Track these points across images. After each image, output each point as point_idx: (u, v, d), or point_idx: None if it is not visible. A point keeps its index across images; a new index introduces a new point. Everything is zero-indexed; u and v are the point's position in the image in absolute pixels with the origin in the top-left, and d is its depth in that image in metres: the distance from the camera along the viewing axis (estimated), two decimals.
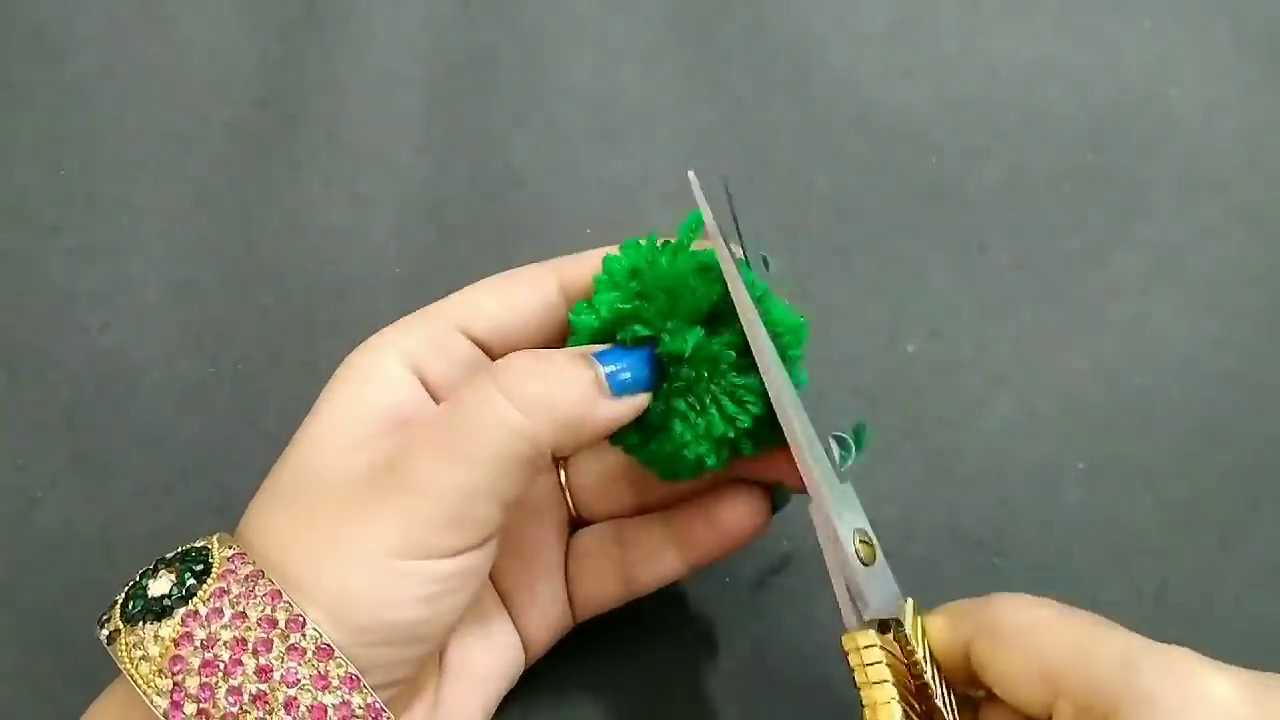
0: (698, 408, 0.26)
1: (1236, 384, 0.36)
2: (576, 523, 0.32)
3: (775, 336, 0.26)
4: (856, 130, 0.39)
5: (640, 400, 0.26)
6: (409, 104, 0.40)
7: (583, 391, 0.25)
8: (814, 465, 0.25)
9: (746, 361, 0.26)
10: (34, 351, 0.37)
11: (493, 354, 0.29)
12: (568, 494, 0.32)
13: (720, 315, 0.27)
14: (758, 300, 0.26)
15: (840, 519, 0.25)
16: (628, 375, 0.26)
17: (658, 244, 0.27)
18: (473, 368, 0.28)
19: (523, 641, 0.30)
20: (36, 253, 0.38)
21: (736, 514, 0.29)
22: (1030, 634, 0.23)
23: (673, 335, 0.26)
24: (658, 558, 0.30)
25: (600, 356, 0.26)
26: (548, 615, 0.30)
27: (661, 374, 0.26)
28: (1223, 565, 0.34)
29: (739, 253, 0.27)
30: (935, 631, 0.25)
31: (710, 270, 0.27)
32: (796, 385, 0.26)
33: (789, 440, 0.25)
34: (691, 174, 0.27)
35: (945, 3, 0.40)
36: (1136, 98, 0.39)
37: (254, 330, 0.37)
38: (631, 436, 0.27)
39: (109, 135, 0.39)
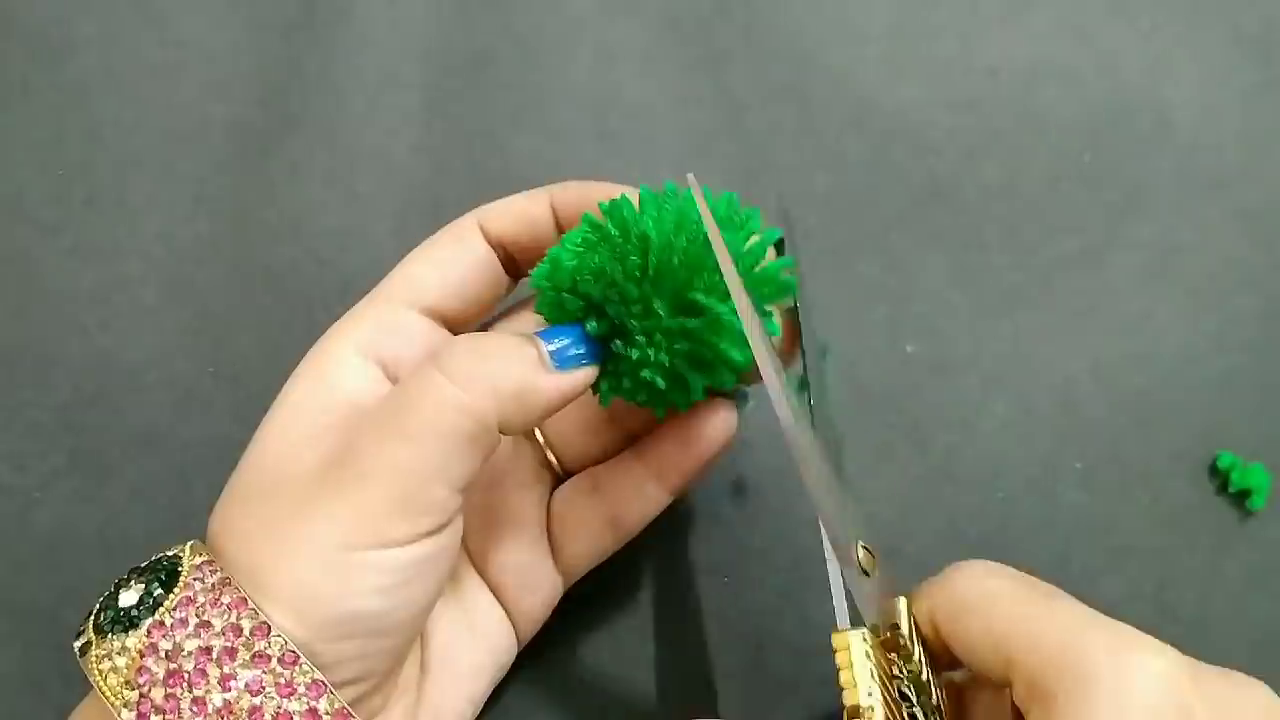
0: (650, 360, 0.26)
1: (1235, 384, 0.36)
2: (560, 479, 0.32)
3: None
4: (855, 131, 0.39)
5: (588, 373, 0.26)
6: (408, 104, 0.40)
7: (525, 366, 0.25)
8: (818, 474, 0.25)
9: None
10: (32, 351, 0.37)
11: (445, 320, 0.29)
12: (549, 452, 0.31)
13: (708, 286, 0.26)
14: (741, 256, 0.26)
15: (839, 523, 0.25)
16: (571, 351, 0.26)
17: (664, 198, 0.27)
18: (428, 343, 0.29)
19: (515, 622, 0.30)
20: (35, 252, 0.38)
21: (707, 428, 0.29)
22: (984, 607, 0.23)
23: (597, 320, 0.26)
24: (640, 493, 0.30)
25: (543, 334, 0.26)
26: (539, 587, 0.30)
27: (604, 349, 0.26)
28: (1221, 566, 0.34)
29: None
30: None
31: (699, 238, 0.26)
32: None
33: (791, 445, 0.25)
34: (691, 177, 0.26)
35: (943, 4, 0.41)
36: (1134, 99, 0.39)
37: (253, 331, 0.37)
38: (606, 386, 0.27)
39: (108, 135, 0.39)
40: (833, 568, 0.25)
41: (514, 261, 0.30)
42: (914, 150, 0.39)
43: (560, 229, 0.29)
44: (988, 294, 0.37)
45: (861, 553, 0.25)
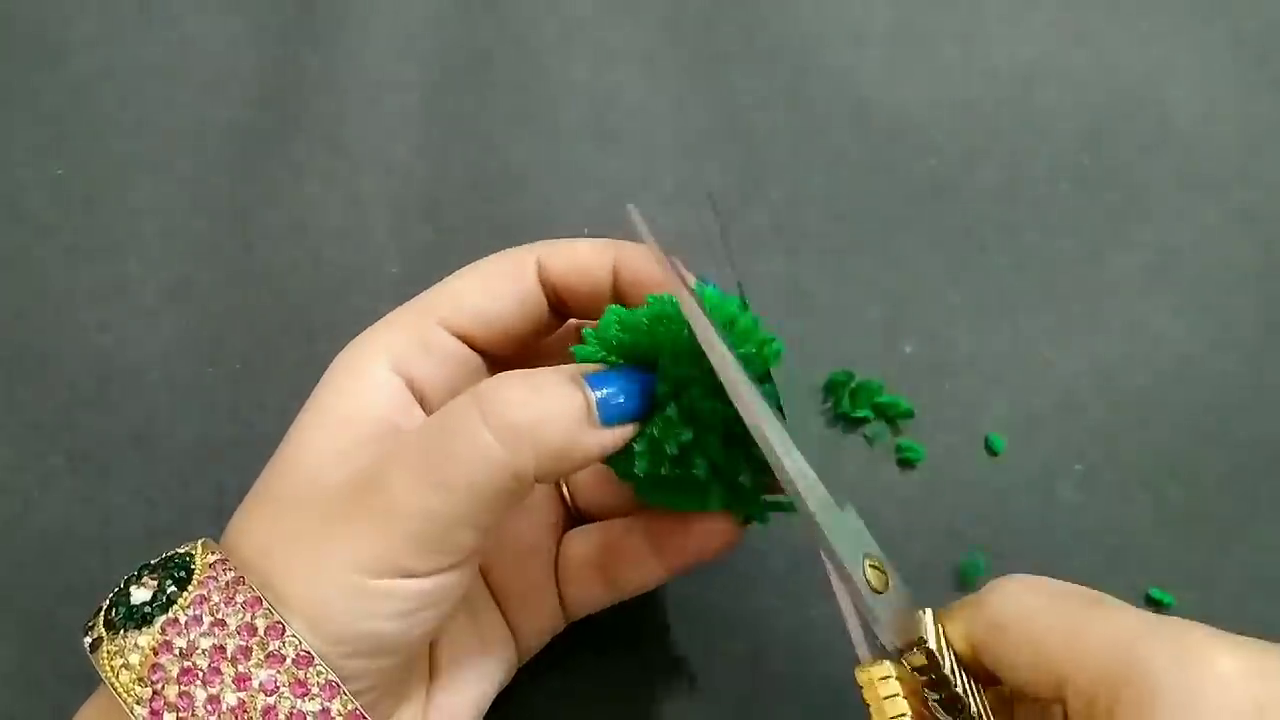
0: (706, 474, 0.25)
1: (1234, 385, 0.36)
2: (574, 518, 0.32)
3: (751, 358, 0.25)
4: (854, 131, 0.39)
5: (629, 430, 0.25)
6: (407, 105, 0.40)
7: (570, 422, 0.24)
8: (808, 497, 0.23)
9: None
10: (31, 351, 0.37)
11: (476, 344, 0.29)
12: (564, 488, 0.31)
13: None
14: (728, 325, 0.25)
15: (843, 548, 0.24)
16: (621, 400, 0.25)
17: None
18: (458, 365, 0.28)
19: (516, 639, 0.30)
20: (35, 252, 0.38)
21: (709, 527, 0.28)
22: (1025, 624, 0.22)
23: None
24: (640, 563, 0.29)
25: (593, 379, 0.25)
26: (541, 614, 0.30)
27: (651, 403, 0.25)
28: (1221, 566, 0.34)
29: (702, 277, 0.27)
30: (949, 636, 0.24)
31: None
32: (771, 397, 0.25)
33: (777, 475, 0.24)
34: (631, 208, 0.25)
35: (944, 4, 0.41)
36: (1134, 99, 0.39)
37: (252, 331, 0.37)
38: (644, 488, 0.27)
39: (107, 135, 0.39)
40: (842, 595, 0.24)
41: (562, 301, 0.29)
42: (914, 150, 0.39)
43: (618, 288, 0.28)
44: (988, 294, 0.37)
45: (869, 571, 0.24)
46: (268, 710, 0.23)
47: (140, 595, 0.24)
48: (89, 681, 0.26)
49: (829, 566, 0.24)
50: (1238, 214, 0.38)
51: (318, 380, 0.28)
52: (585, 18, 0.41)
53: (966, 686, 0.23)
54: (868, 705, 0.23)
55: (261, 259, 0.38)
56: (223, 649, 0.23)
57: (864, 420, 0.36)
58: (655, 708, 0.33)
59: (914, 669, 0.23)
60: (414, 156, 0.39)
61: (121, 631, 0.23)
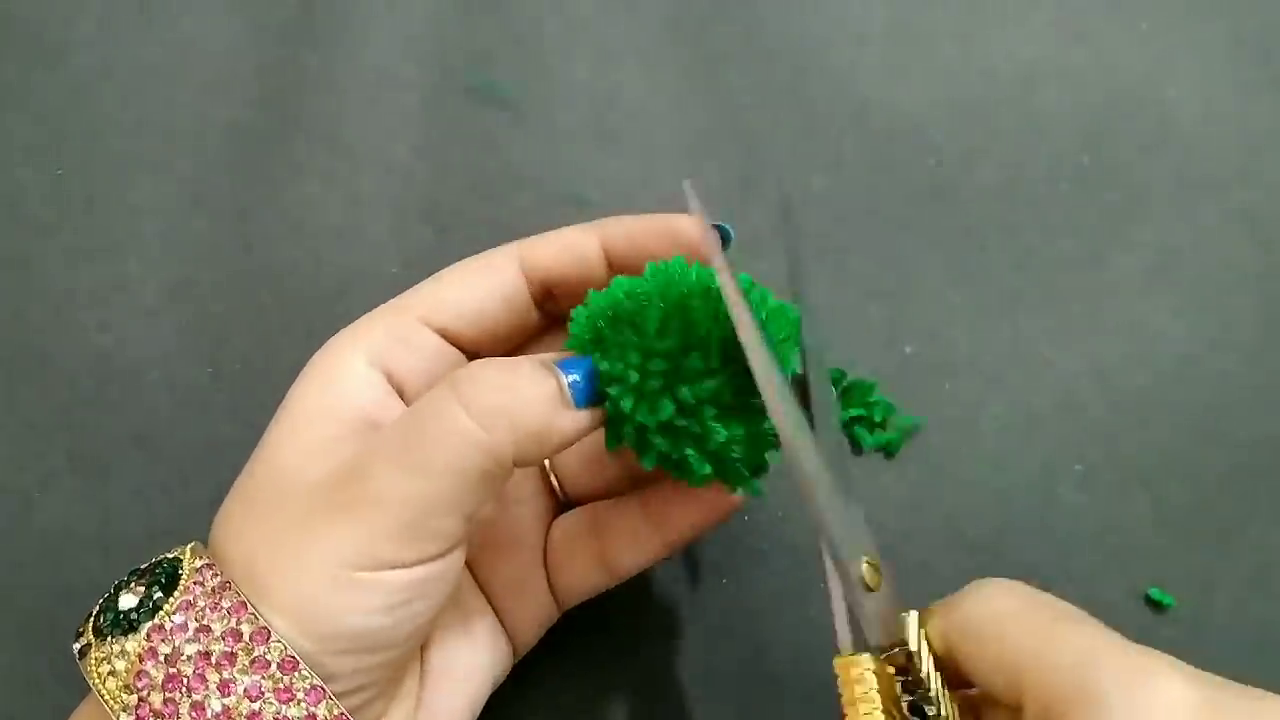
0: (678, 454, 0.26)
1: (1234, 385, 0.36)
2: (563, 505, 0.32)
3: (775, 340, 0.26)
4: (854, 131, 0.39)
5: (602, 411, 0.26)
6: (407, 105, 0.40)
7: (545, 403, 0.25)
8: (819, 489, 0.24)
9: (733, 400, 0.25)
10: (32, 351, 0.37)
11: (459, 342, 0.29)
12: (553, 476, 0.31)
13: (699, 346, 0.25)
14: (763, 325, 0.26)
15: (845, 543, 0.24)
16: (585, 386, 0.25)
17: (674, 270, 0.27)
18: (439, 360, 0.28)
19: (510, 635, 0.30)
20: (34, 253, 0.38)
21: (713, 491, 0.28)
22: (996, 628, 0.22)
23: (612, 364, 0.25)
24: (637, 541, 0.29)
25: (564, 365, 0.25)
26: (533, 607, 0.30)
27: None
28: (1221, 567, 0.34)
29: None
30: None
31: (709, 297, 0.26)
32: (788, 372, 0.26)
33: (793, 467, 0.24)
34: (688, 182, 0.25)
35: (943, 4, 0.41)
36: (1134, 99, 0.39)
37: (252, 331, 0.37)
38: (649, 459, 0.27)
39: (107, 135, 0.39)
40: (834, 587, 0.24)
41: (553, 297, 0.29)
42: (914, 150, 0.39)
43: (611, 266, 0.28)
44: (988, 294, 0.37)
45: (866, 568, 0.24)
46: (252, 716, 0.23)
47: (128, 601, 0.24)
48: (87, 684, 0.26)
49: (825, 556, 0.24)
50: (1237, 214, 0.38)
51: None
52: (585, 18, 0.41)
53: (941, 693, 0.24)
54: (839, 694, 0.23)
55: (261, 259, 0.38)
56: (208, 655, 0.23)
57: (859, 419, 0.36)
58: (655, 708, 0.33)
59: (895, 669, 0.24)
60: (414, 156, 0.39)
61: (108, 638, 0.24)
